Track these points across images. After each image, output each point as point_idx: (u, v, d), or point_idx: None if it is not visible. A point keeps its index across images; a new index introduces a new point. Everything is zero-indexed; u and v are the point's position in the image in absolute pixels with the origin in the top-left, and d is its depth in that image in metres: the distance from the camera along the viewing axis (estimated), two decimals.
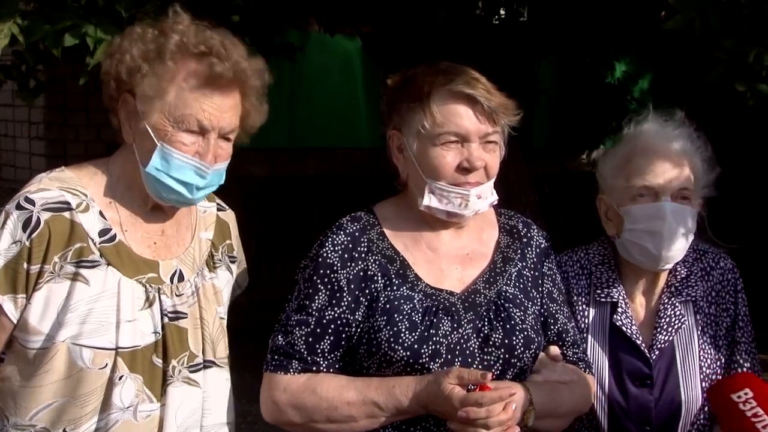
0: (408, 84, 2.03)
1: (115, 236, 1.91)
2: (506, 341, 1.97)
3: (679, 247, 2.25)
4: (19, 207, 1.85)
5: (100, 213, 1.90)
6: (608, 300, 2.30)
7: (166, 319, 1.92)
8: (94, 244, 1.88)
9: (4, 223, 1.84)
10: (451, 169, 1.97)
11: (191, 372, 1.94)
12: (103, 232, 1.90)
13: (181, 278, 1.97)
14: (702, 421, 2.29)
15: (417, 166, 2.00)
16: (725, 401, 2.10)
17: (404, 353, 1.93)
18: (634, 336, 2.28)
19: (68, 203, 1.87)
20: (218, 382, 2.00)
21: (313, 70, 8.45)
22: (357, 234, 2.04)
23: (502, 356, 1.96)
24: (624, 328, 2.28)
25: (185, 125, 1.86)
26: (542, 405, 1.96)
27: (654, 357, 2.27)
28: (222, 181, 1.96)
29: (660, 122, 2.33)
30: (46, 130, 7.40)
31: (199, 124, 1.87)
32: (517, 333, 1.98)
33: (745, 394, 2.07)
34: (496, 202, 2.05)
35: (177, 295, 1.96)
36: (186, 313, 1.96)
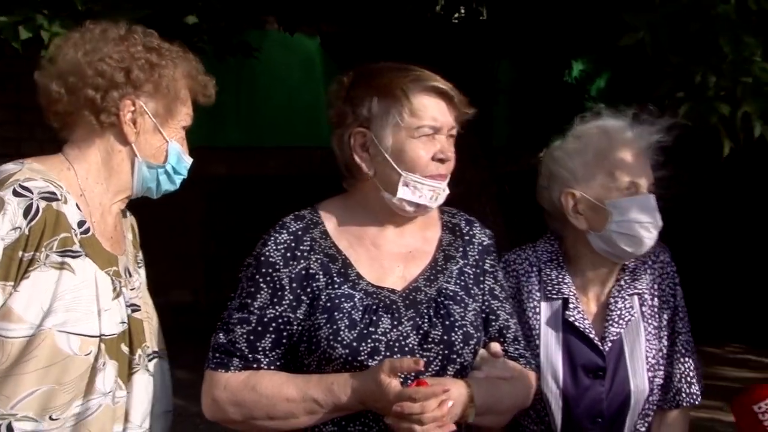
0: (373, 81, 2.05)
1: (89, 229, 1.95)
2: (445, 337, 1.98)
3: (656, 236, 2.32)
4: (16, 194, 1.86)
5: (77, 205, 1.94)
6: (559, 296, 2.34)
7: (128, 311, 1.98)
8: (75, 235, 1.92)
9: (2, 209, 1.84)
10: (427, 159, 2.01)
11: (148, 361, 2.01)
12: (80, 224, 1.94)
13: (129, 274, 2.04)
14: (647, 410, 2.34)
15: (391, 160, 2.01)
16: (747, 411, 2.14)
17: (343, 351, 1.94)
18: (587, 330, 2.31)
19: (54, 193, 1.90)
20: (162, 372, 2.06)
21: (274, 69, 8.41)
22: (300, 233, 2.05)
23: (441, 352, 1.98)
24: (576, 323, 2.31)
25: (184, 123, 2.08)
26: (483, 401, 1.97)
27: (606, 349, 2.31)
28: None
29: (620, 117, 2.37)
30: None
31: (188, 122, 2.09)
32: (456, 329, 2.00)
33: (766, 404, 2.11)
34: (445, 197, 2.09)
35: (131, 289, 2.02)
36: (139, 306, 2.03)
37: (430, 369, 1.96)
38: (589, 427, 2.29)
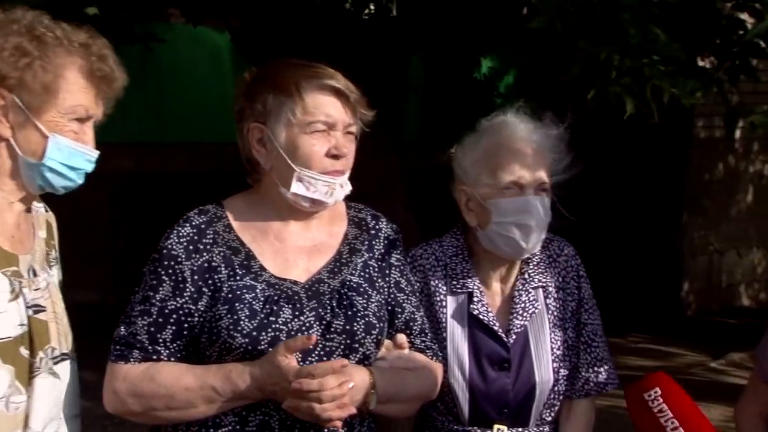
0: (270, 77, 2.08)
1: None
2: (347, 327, 2.01)
3: (541, 238, 2.35)
4: None
5: None
6: (464, 290, 2.37)
7: (30, 312, 1.91)
8: None
9: None
10: (320, 155, 2.03)
11: (54, 364, 1.95)
12: None
13: (34, 273, 1.97)
14: (554, 400, 2.39)
15: (285, 155, 2.03)
16: (638, 399, 2.21)
17: (243, 340, 1.96)
18: (491, 323, 2.36)
19: None
20: (72, 375, 2.01)
21: (181, 63, 8.28)
22: (203, 226, 2.07)
23: (343, 342, 2.00)
24: (481, 316, 2.35)
25: (74, 115, 1.92)
26: (385, 389, 2.01)
27: (511, 341, 2.35)
28: None
29: (518, 116, 2.41)
30: None
31: (86, 114, 1.94)
32: (359, 319, 2.02)
33: (655, 392, 2.19)
34: (348, 193, 2.10)
35: (35, 289, 1.95)
36: (45, 307, 1.96)
37: (332, 358, 1.98)
38: (496, 417, 2.34)
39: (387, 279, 2.14)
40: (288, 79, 2.04)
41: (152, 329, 2.00)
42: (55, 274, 2.07)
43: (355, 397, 1.94)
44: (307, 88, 2.03)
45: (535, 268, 2.42)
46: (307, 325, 1.99)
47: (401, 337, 2.12)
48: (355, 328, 2.02)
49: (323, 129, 2.03)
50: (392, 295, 2.14)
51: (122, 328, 2.02)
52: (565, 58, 3.48)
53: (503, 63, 9.34)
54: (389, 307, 2.12)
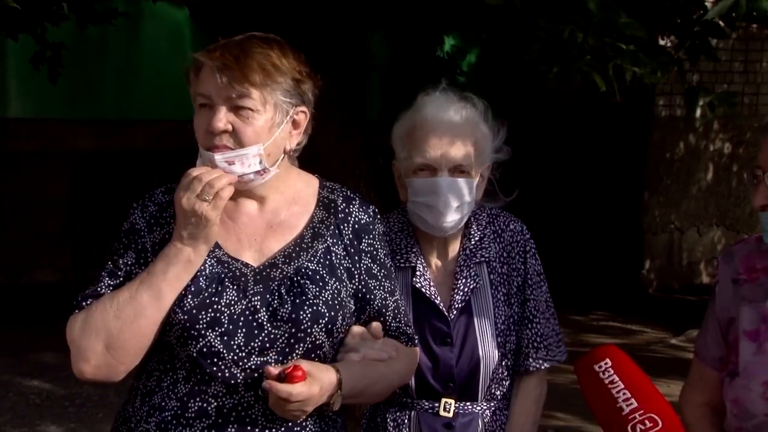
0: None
1: None
2: (293, 315, 1.97)
3: (455, 218, 2.36)
4: None
5: None
6: (407, 265, 2.40)
7: None
8: None
9: None
10: (201, 131, 1.99)
11: None
12: None
13: None
14: (501, 375, 2.41)
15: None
16: (588, 372, 2.23)
17: (183, 317, 1.94)
18: (433, 297, 2.38)
19: None
20: None
21: (141, 40, 8.19)
22: (165, 204, 2.07)
23: (288, 330, 1.97)
24: (423, 290, 2.38)
25: None
26: (353, 387, 1.98)
27: (453, 317, 2.38)
28: None
29: (442, 95, 2.40)
30: None
31: None
32: (306, 307, 1.98)
33: (605, 363, 2.20)
34: (264, 172, 2.01)
35: None
36: None
37: (276, 346, 1.96)
38: (442, 391, 2.37)
39: (357, 266, 2.09)
40: (197, 55, 2.01)
41: (112, 288, 1.99)
42: None
43: (319, 400, 1.92)
44: (198, 64, 2.00)
45: (478, 243, 2.43)
46: (251, 309, 1.96)
47: (375, 326, 2.08)
48: (301, 317, 1.97)
49: (204, 103, 1.99)
50: (363, 282, 2.09)
51: (88, 290, 2.02)
52: (526, 37, 3.49)
53: (466, 41, 9.35)
54: (360, 295, 2.08)
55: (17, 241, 7.96)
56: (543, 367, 2.45)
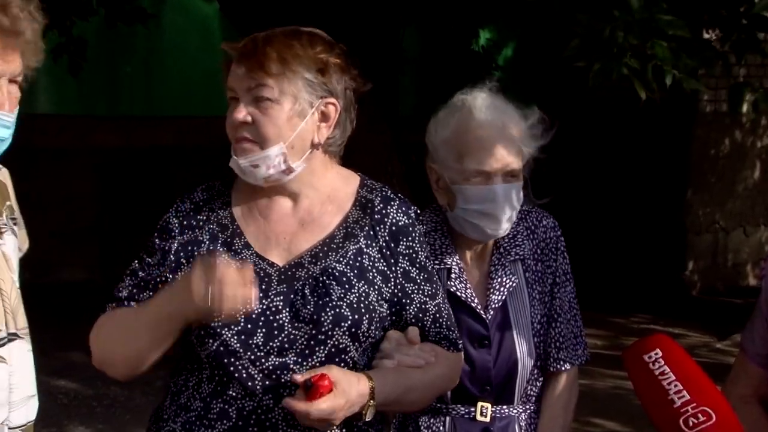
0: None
1: None
2: (314, 316, 1.95)
3: (510, 223, 2.35)
4: None
5: None
6: (443, 267, 2.37)
7: None
8: None
9: None
10: (228, 125, 2.03)
11: (0, 346, 1.87)
12: None
13: None
14: (534, 376, 2.41)
15: None
16: (637, 362, 2.18)
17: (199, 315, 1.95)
18: (469, 299, 2.36)
19: None
20: (22, 355, 1.93)
21: (169, 35, 8.25)
22: (201, 203, 2.08)
23: (309, 331, 1.96)
24: (459, 293, 2.36)
25: None
26: (386, 396, 1.96)
27: (489, 318, 2.36)
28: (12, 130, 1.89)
29: (491, 96, 2.37)
30: None
31: None
32: (328, 309, 1.96)
33: (656, 354, 2.14)
34: (288, 171, 2.01)
35: None
36: None
37: (295, 346, 1.95)
38: (479, 395, 2.36)
39: (394, 269, 2.06)
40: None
41: (134, 290, 2.05)
42: (8, 242, 1.96)
43: (350, 410, 1.91)
44: (228, 57, 2.02)
45: (512, 240, 2.41)
46: (273, 309, 1.96)
47: (412, 331, 2.06)
48: (323, 318, 1.95)
49: (233, 96, 2.01)
50: (399, 286, 2.06)
51: (116, 290, 2.09)
52: (565, 31, 3.47)
53: (502, 35, 9.31)
54: (396, 299, 2.05)
55: (43, 239, 8.05)
56: (563, 369, 2.43)
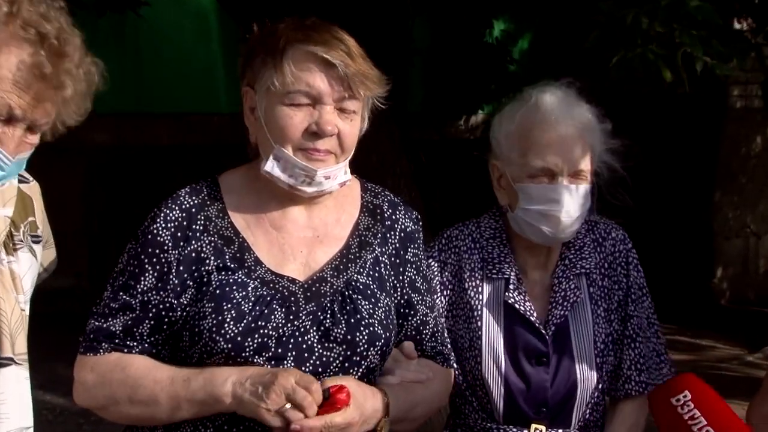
0: (267, 37, 2.00)
1: None
2: (348, 337, 1.93)
3: (574, 227, 2.33)
4: None
5: None
6: (501, 276, 2.35)
7: None
8: None
9: None
10: (297, 131, 1.94)
11: None
12: None
13: None
14: (597, 399, 2.37)
15: (264, 126, 1.97)
16: (665, 405, 2.15)
17: (225, 345, 1.90)
18: (528, 313, 2.33)
19: None
20: (16, 382, 1.90)
21: (163, 28, 8.25)
22: (194, 210, 2.00)
23: (343, 353, 1.94)
24: (517, 306, 2.33)
25: None
26: (397, 411, 1.96)
27: (549, 333, 2.33)
28: (22, 169, 1.90)
29: (563, 91, 2.36)
30: None
31: (9, 112, 1.75)
32: (362, 328, 1.94)
33: (684, 396, 2.11)
34: (349, 182, 2.02)
35: None
36: None
37: (329, 370, 1.93)
38: (534, 416, 2.31)
39: (401, 277, 2.07)
40: (277, 40, 1.96)
41: (129, 323, 1.96)
42: (22, 260, 1.95)
43: (366, 427, 1.90)
44: (291, 53, 1.94)
45: (578, 252, 2.39)
46: (302, 330, 1.93)
47: (410, 346, 2.06)
48: (357, 339, 1.93)
49: (306, 102, 1.94)
50: (405, 296, 2.07)
51: (96, 321, 1.98)
52: (586, 22, 3.46)
53: (518, 26, 9.31)
54: (401, 309, 2.06)
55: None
56: (645, 392, 2.37)
